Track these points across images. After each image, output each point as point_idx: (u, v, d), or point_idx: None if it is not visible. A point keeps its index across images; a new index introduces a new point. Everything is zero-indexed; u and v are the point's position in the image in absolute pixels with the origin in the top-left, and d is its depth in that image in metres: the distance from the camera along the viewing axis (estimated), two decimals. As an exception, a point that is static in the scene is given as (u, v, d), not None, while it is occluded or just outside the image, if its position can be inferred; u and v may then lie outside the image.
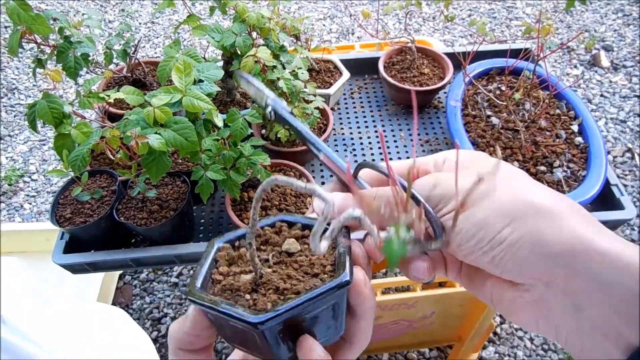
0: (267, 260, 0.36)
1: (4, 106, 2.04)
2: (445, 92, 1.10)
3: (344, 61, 1.14)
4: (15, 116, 2.00)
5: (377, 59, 1.10)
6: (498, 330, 1.31)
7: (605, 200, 0.87)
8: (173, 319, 1.40)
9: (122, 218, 0.79)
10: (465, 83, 0.99)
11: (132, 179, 0.80)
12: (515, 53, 1.05)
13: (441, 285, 0.88)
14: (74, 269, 0.83)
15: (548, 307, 0.30)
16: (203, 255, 0.35)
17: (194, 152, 0.74)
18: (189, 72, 0.73)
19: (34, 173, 1.80)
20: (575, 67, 2.11)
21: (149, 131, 0.69)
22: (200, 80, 0.78)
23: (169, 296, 1.45)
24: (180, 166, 0.89)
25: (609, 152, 1.71)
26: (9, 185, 1.75)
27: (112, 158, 0.68)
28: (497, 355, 1.27)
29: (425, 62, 1.10)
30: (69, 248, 0.83)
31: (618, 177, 1.63)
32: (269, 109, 0.45)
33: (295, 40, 1.06)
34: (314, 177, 0.94)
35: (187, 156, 0.79)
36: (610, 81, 2.02)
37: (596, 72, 2.08)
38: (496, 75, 1.05)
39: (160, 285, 1.49)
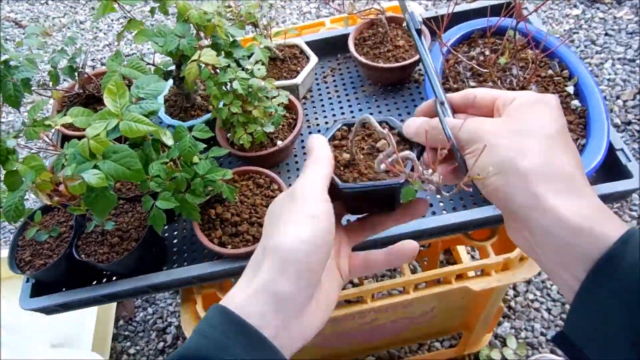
0: (362, 149, 0.51)
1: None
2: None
3: (312, 42, 1.04)
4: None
5: (348, 35, 1.01)
6: (512, 304, 1.25)
7: (611, 168, 0.78)
8: (177, 327, 1.37)
9: (83, 255, 0.73)
10: (443, 53, 0.89)
11: (85, 212, 0.74)
12: (496, 11, 0.94)
13: (438, 282, 0.81)
14: (46, 311, 0.79)
15: (523, 237, 0.41)
16: (329, 129, 0.52)
17: (142, 181, 0.67)
18: (123, 92, 0.65)
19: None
20: (575, 6, 1.96)
21: (87, 166, 0.62)
22: (142, 98, 0.71)
23: (171, 304, 1.42)
24: (137, 189, 0.83)
25: (618, 97, 1.59)
26: None
27: (49, 203, 0.61)
28: (513, 330, 1.21)
29: (399, 32, 1.00)
30: (38, 289, 0.79)
31: (630, 123, 1.52)
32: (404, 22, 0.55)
33: (254, 29, 0.97)
34: (289, 178, 0.87)
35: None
36: (615, 17, 1.87)
37: (598, 8, 1.92)
38: (479, 38, 0.95)
39: (162, 294, 1.46)
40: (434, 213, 0.80)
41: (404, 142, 0.52)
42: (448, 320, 0.96)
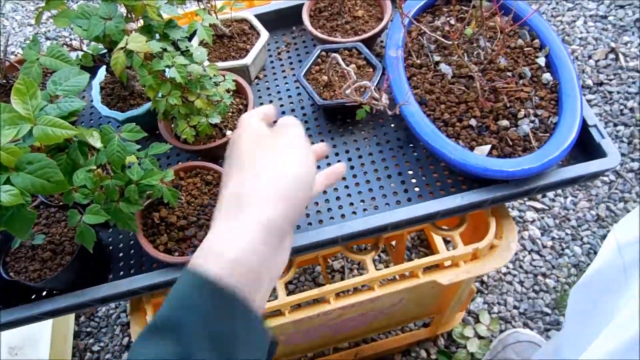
0: (337, 72, 0.76)
1: None
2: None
3: (263, 15, 0.95)
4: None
5: (302, 6, 0.91)
6: (485, 278, 1.23)
7: (584, 148, 0.74)
8: (144, 320, 1.31)
9: (12, 274, 0.66)
10: (405, 25, 0.81)
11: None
12: (462, -26, 0.86)
13: (402, 277, 0.76)
14: (-20, 332, 0.72)
15: None
16: (310, 55, 0.77)
17: (66, 192, 0.59)
18: (35, 92, 0.56)
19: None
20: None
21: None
22: (57, 96, 0.61)
23: (136, 296, 1.36)
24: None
25: (590, 57, 1.54)
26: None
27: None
28: (486, 305, 1.20)
29: (357, 1, 0.91)
30: (-31, 310, 0.71)
31: (601, 83, 1.48)
32: None
33: (197, 3, 0.87)
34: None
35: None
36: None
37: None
38: (443, 6, 0.87)
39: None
40: (398, 203, 0.74)
41: (369, 65, 0.81)
42: (419, 307, 0.92)
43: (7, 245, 0.68)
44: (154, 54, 0.69)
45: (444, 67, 0.78)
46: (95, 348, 1.27)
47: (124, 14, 0.72)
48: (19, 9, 2.01)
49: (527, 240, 1.27)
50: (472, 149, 0.70)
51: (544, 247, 1.25)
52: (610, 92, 1.45)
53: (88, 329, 1.30)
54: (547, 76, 0.75)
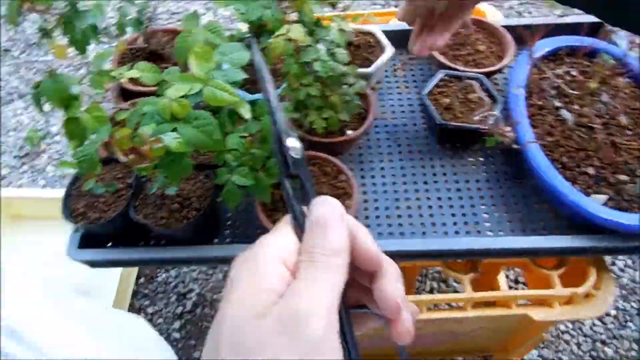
0: (458, 97, 0.82)
1: (24, 62, 1.96)
2: (505, 77, 0.96)
3: (385, 32, 1.00)
4: (35, 73, 1.93)
5: (427, 31, 0.96)
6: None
7: None
8: (199, 294, 1.36)
9: (140, 216, 0.71)
10: (530, 65, 0.85)
11: (150, 175, 0.72)
12: (593, 29, 0.90)
13: (494, 304, 0.78)
14: (92, 264, 0.77)
15: None
16: (433, 77, 0.80)
17: (218, 151, 0.64)
18: (209, 57, 0.62)
19: (56, 135, 1.74)
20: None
21: (166, 127, 0.59)
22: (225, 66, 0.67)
23: (194, 271, 1.41)
24: (202, 156, 0.80)
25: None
26: (32, 146, 1.70)
27: (125, 160, 0.59)
28: (540, 358, 1.19)
29: (481, 37, 0.96)
30: (85, 241, 0.77)
31: None
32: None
33: (331, 9, 0.93)
34: (352, 170, 0.83)
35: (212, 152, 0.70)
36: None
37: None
38: (565, 56, 0.90)
39: (185, 259, 1.44)
40: (501, 231, 0.77)
41: (489, 98, 0.84)
42: (488, 340, 0.94)
43: (138, 189, 0.74)
44: (303, 47, 0.75)
45: (564, 113, 0.81)
46: (150, 310, 1.32)
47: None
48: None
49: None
50: (587, 195, 0.72)
51: (607, 315, 1.25)
52: None
53: (145, 291, 1.36)
54: (667, 142, 0.77)
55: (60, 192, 1.39)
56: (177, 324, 1.31)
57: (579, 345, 1.21)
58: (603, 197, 0.70)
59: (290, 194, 0.33)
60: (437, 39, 0.73)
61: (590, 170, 0.73)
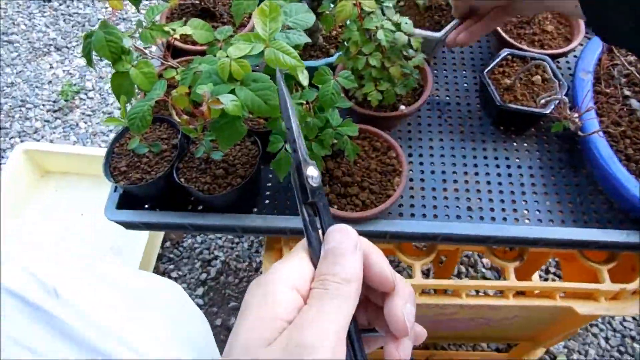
0: (521, 79, 0.77)
1: (62, 14, 1.94)
2: (567, 60, 0.90)
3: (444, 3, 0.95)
4: (73, 26, 1.90)
5: (489, 5, 0.91)
6: (570, 324, 1.19)
7: None
8: (223, 262, 1.36)
9: (183, 180, 0.69)
10: (603, 50, 0.80)
11: (197, 135, 0.69)
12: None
13: (535, 294, 0.75)
14: (128, 226, 0.76)
15: None
16: (496, 56, 0.75)
17: (273, 118, 0.61)
18: (276, 16, 0.59)
19: (90, 90, 1.73)
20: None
21: (223, 88, 0.56)
22: (288, 28, 0.64)
23: (220, 238, 1.40)
24: (251, 122, 0.77)
25: None
26: (65, 100, 1.69)
27: (178, 120, 0.56)
28: (565, 349, 1.17)
29: (549, 16, 0.90)
30: (124, 202, 0.75)
31: None
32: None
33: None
34: (401, 147, 0.80)
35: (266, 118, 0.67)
36: None
37: None
38: (639, 42, 0.84)
39: (212, 225, 1.44)
40: (551, 221, 0.73)
41: (554, 81, 0.77)
42: (520, 330, 0.91)
43: (182, 152, 0.72)
44: (366, 14, 0.70)
45: (634, 103, 0.76)
46: (174, 275, 1.32)
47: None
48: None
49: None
50: (652, 190, 0.68)
51: (641, 312, 1.21)
52: None
53: (171, 255, 1.36)
54: None
55: (91, 150, 1.38)
56: (200, 291, 1.31)
57: (607, 339, 1.18)
58: (672, 195, 0.66)
59: (307, 221, 0.35)
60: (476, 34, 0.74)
61: (659, 166, 0.69)
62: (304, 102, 0.62)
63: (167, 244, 1.38)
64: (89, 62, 0.70)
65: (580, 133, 0.70)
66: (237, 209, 0.73)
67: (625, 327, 1.19)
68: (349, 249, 0.32)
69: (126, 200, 0.75)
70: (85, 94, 1.72)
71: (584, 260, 0.74)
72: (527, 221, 0.74)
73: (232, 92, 0.56)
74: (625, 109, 0.76)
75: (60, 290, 0.54)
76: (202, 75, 0.58)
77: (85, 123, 1.65)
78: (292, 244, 0.77)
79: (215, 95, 0.55)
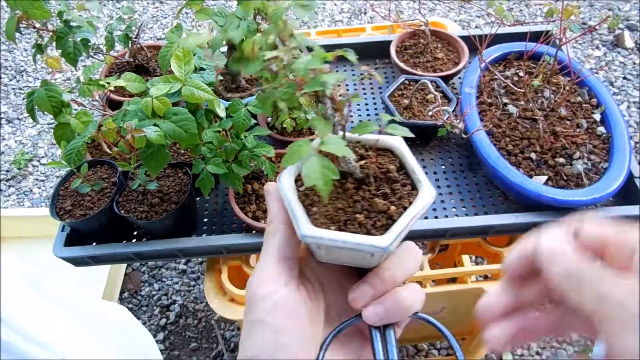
0: (417, 98, 0.85)
1: (12, 89, 2.02)
2: (460, 78, 1.05)
3: (353, 45, 1.09)
4: (23, 99, 1.98)
5: (389, 42, 1.06)
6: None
7: (627, 193, 0.83)
8: (182, 305, 1.40)
9: (123, 211, 0.77)
10: (481, 69, 0.94)
11: (132, 170, 0.77)
12: (535, 36, 1.00)
13: (453, 281, 0.85)
14: (76, 262, 0.82)
15: None
16: (394, 81, 0.72)
17: (194, 145, 0.71)
18: (189, 60, 0.70)
19: (42, 157, 1.79)
20: (597, 47, 2.03)
21: (147, 123, 0.66)
22: (202, 69, 0.75)
23: (177, 283, 1.45)
24: (182, 157, 0.87)
25: (631, 138, 1.64)
26: (18, 169, 1.74)
27: (109, 152, 0.65)
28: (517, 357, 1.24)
29: (439, 45, 1.05)
30: (70, 240, 0.82)
31: (640, 164, 1.57)
32: None
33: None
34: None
35: (189, 147, 0.76)
36: (634, 63, 1.93)
37: (619, 53, 1.99)
38: (514, 60, 1.00)
39: (169, 272, 1.48)
40: (456, 215, 0.84)
41: (445, 97, 0.91)
42: (455, 323, 0.99)
43: (121, 188, 0.80)
44: (273, 54, 0.82)
45: (511, 108, 0.89)
46: (134, 322, 1.35)
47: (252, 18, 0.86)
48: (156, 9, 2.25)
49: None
50: (530, 177, 0.80)
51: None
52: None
53: (130, 305, 1.39)
54: (601, 129, 0.86)
55: (45, 211, 1.42)
56: (160, 336, 1.34)
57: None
58: (543, 178, 0.78)
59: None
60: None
61: (533, 156, 0.81)
62: (221, 130, 0.71)
63: (126, 294, 1.42)
64: (33, 117, 0.79)
65: (463, 135, 0.82)
66: (177, 234, 0.81)
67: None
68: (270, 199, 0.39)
69: (73, 239, 0.82)
70: (38, 161, 1.78)
71: (487, 246, 0.84)
72: (436, 217, 0.84)
73: (156, 125, 0.66)
74: (504, 114, 0.89)
75: (8, 318, 0.60)
76: (129, 114, 0.67)
77: (39, 188, 1.70)
78: (230, 262, 0.85)
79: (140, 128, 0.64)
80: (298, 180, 0.39)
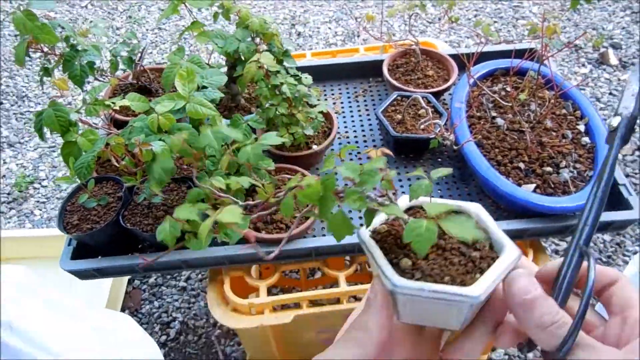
0: (409, 113, 0.90)
1: (14, 113, 2.06)
2: (450, 94, 1.09)
3: (347, 64, 1.14)
4: (25, 123, 2.02)
5: (381, 61, 1.10)
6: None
7: (612, 200, 0.86)
8: (182, 322, 1.41)
9: (128, 224, 0.80)
10: (470, 84, 0.99)
11: (138, 185, 0.81)
12: (520, 53, 1.05)
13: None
14: (82, 274, 0.84)
15: None
16: (387, 98, 0.77)
17: (199, 159, 0.74)
18: (192, 78, 0.74)
19: (43, 179, 1.82)
20: (583, 65, 2.09)
21: (153, 138, 0.69)
22: (204, 87, 0.79)
23: (177, 300, 1.46)
24: (186, 171, 0.90)
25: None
26: (19, 192, 1.77)
27: (117, 165, 0.68)
28: (507, 356, 1.26)
29: (429, 64, 1.10)
30: (77, 254, 0.84)
31: (627, 176, 1.62)
32: None
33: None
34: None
35: (192, 162, 0.79)
36: (619, 79, 2.00)
37: (604, 70, 2.06)
38: (501, 76, 1.05)
39: (169, 289, 1.50)
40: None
41: (436, 112, 0.95)
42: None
43: (127, 203, 0.83)
44: (272, 72, 0.87)
45: (499, 121, 0.93)
46: (135, 339, 1.36)
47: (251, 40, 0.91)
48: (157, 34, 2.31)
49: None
50: (519, 185, 0.83)
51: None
52: (635, 184, 1.58)
53: (131, 322, 1.40)
54: (585, 139, 0.90)
55: (46, 231, 1.45)
56: (161, 353, 1.34)
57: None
58: (531, 186, 0.82)
59: None
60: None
61: (521, 165, 0.85)
62: (224, 144, 0.75)
63: (126, 312, 1.43)
64: (41, 136, 0.82)
65: (455, 147, 0.86)
66: (182, 246, 0.83)
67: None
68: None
69: (79, 252, 0.84)
70: (39, 183, 1.80)
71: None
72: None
73: (162, 141, 0.69)
74: (493, 127, 0.93)
75: (15, 324, 0.63)
76: (136, 130, 0.71)
77: (40, 210, 1.72)
78: (232, 273, 0.87)
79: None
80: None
